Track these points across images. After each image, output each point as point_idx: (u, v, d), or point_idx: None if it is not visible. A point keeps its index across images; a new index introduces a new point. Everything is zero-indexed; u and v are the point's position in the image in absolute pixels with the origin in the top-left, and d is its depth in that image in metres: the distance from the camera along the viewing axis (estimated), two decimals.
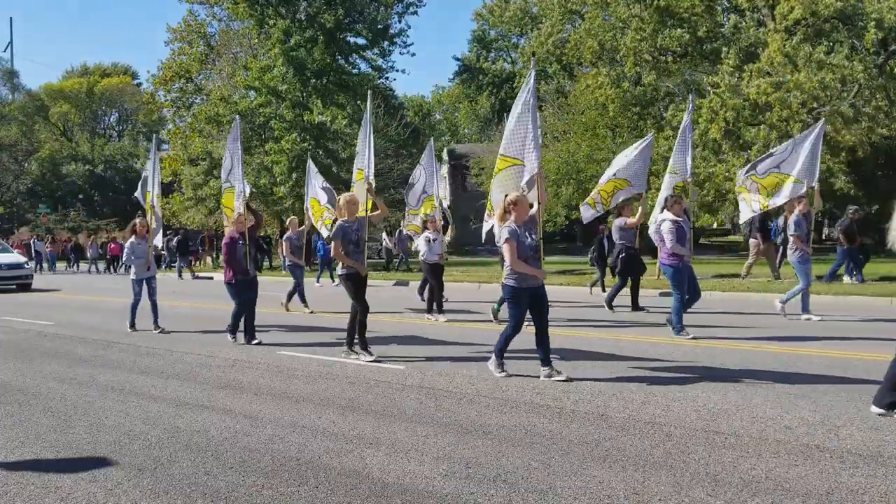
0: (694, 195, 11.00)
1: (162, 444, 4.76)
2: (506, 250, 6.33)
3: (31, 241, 34.59)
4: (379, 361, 7.47)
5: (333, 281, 19.14)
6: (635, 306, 11.55)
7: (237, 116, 11.92)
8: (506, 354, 6.75)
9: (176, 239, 25.88)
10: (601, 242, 14.99)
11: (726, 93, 21.50)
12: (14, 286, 20.05)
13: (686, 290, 8.72)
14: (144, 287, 10.48)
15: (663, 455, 4.31)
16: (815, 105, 20.60)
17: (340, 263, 7.71)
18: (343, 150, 29.31)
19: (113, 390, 6.50)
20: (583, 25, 27.81)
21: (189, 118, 33.12)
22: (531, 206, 6.73)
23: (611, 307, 11.45)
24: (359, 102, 30.25)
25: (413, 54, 60.49)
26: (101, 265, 31.79)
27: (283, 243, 12.73)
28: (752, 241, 16.22)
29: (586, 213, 11.97)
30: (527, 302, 6.43)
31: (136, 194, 13.26)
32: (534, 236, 6.50)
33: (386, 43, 30.91)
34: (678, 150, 11.83)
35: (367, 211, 8.30)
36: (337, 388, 6.40)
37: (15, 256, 21.92)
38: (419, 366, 7.28)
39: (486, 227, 9.95)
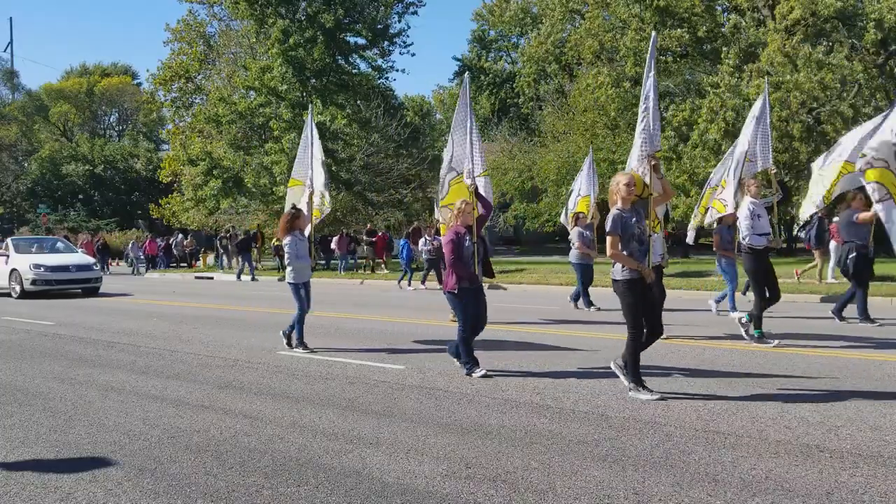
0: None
1: (162, 444, 4.76)
2: None
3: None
4: (663, 399, 5.61)
5: (410, 285, 18.33)
6: (865, 316, 9.67)
7: (466, 75, 9.02)
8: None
9: (242, 232, 24.47)
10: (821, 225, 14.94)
11: (726, 93, 21.49)
12: (79, 290, 17.34)
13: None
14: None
15: (663, 455, 4.31)
16: (814, 105, 20.60)
17: (618, 266, 5.68)
18: (343, 149, 29.31)
19: (113, 390, 6.50)
20: (583, 25, 27.80)
21: (189, 118, 33.13)
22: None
23: (841, 317, 9.89)
24: (359, 102, 30.26)
25: (413, 54, 60.30)
26: (143, 266, 30.27)
27: None
28: None
29: (808, 210, 10.09)
30: None
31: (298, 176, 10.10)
32: None
33: (386, 43, 30.93)
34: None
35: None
36: (337, 388, 6.40)
37: (82, 256, 19.21)
38: (419, 366, 7.27)
39: (709, 220, 8.93)
